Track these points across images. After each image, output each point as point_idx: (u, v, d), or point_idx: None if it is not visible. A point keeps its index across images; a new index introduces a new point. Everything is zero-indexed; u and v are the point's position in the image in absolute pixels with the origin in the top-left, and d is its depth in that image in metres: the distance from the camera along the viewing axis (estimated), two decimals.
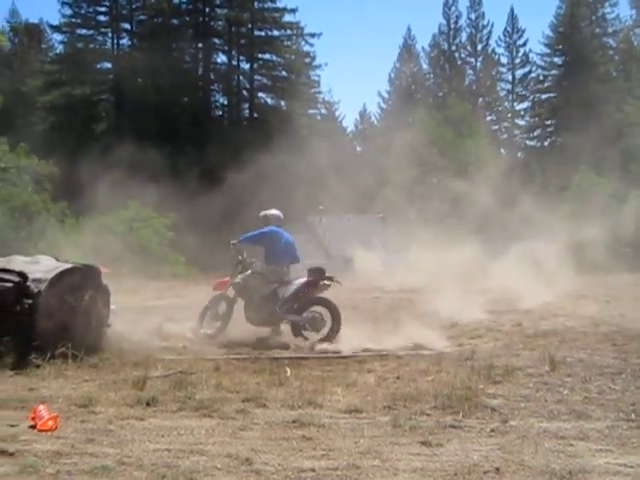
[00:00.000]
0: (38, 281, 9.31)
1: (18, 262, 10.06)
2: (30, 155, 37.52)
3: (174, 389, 7.59)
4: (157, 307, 15.85)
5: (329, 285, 12.37)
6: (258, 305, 12.33)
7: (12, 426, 6.21)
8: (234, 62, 67.33)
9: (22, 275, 9.28)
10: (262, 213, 13.29)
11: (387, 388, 7.81)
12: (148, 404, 6.99)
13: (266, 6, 65.65)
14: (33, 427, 6.14)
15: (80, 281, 9.86)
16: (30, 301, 9.08)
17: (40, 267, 9.84)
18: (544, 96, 75.87)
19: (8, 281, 9.21)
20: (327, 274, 12.41)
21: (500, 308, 16.34)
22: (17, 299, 9.06)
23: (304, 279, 12.34)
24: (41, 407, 6.41)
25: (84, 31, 65.37)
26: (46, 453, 5.42)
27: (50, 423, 6.12)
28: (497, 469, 5.13)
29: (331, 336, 11.78)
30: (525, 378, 8.29)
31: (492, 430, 6.17)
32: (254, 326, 12.50)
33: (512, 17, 77.73)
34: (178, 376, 8.24)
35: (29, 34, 69.57)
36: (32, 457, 5.30)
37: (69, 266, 10.03)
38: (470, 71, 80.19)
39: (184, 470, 5.07)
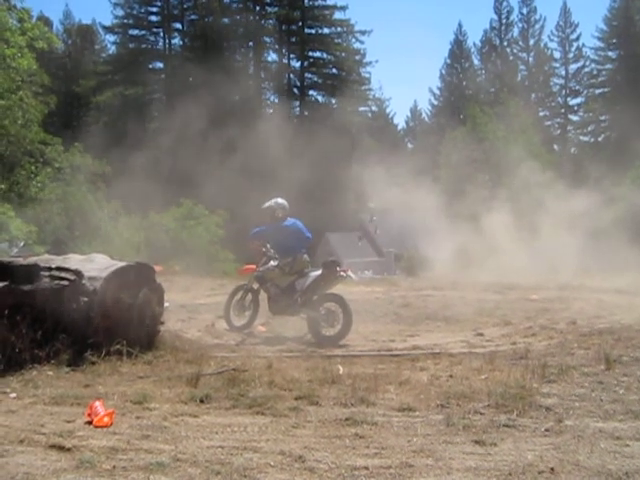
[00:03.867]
0: (93, 279, 9.39)
1: (74, 260, 10.19)
2: (84, 154, 38.01)
3: (227, 386, 7.61)
4: (209, 304, 15.96)
5: (345, 277, 12.38)
6: (278, 297, 12.52)
7: (69, 422, 6.29)
8: (285, 60, 67.76)
9: (78, 273, 9.38)
10: (266, 204, 13.08)
11: (440, 386, 7.73)
12: (202, 401, 7.03)
13: (316, 4, 66.06)
14: (89, 423, 6.20)
15: (134, 279, 9.94)
16: (86, 299, 9.15)
17: (95, 265, 9.95)
18: (598, 91, 74.86)
19: (64, 279, 9.31)
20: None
21: (556, 307, 16.20)
22: (73, 297, 9.16)
23: (319, 271, 12.36)
24: (97, 403, 6.47)
25: (136, 31, 66.49)
26: (102, 449, 5.47)
27: (106, 419, 6.17)
28: (552, 469, 5.06)
29: (344, 333, 11.74)
30: (580, 377, 8.15)
31: (547, 430, 6.08)
32: (276, 315, 12.85)
33: (565, 11, 76.91)
34: (231, 373, 8.24)
35: (82, 35, 70.69)
36: (88, 452, 5.36)
37: (124, 264, 10.13)
38: (522, 66, 79.44)
39: (238, 467, 5.09)
